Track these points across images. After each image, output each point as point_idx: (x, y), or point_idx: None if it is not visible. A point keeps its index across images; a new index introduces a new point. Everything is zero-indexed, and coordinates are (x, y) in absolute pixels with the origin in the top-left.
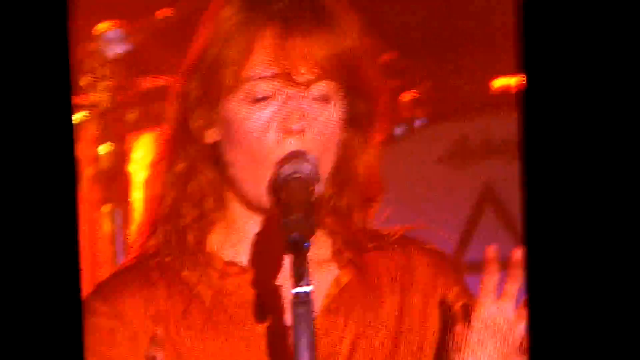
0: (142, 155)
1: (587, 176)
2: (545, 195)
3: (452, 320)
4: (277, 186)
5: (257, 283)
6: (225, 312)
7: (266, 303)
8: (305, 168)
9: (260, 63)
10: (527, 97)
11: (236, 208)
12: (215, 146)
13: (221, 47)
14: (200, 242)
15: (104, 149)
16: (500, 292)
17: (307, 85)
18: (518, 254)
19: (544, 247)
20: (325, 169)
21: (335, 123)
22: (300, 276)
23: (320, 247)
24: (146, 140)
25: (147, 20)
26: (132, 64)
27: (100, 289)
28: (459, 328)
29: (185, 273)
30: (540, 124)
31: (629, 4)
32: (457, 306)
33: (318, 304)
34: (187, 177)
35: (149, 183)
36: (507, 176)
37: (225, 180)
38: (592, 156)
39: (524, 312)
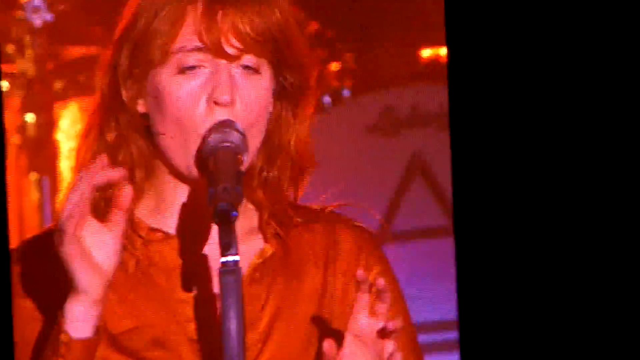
0: (68, 124)
1: (514, 147)
2: (472, 166)
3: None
4: (205, 155)
5: (183, 251)
6: (149, 278)
7: (194, 271)
8: (234, 137)
9: (190, 35)
10: (452, 69)
11: (165, 177)
12: (146, 116)
13: (151, 19)
14: (129, 209)
15: (30, 117)
16: (372, 310)
17: (237, 57)
18: (381, 281)
19: (472, 217)
20: (256, 140)
21: (265, 95)
22: (227, 245)
23: (248, 218)
24: (73, 109)
25: None
26: (57, 33)
27: (23, 248)
28: (331, 340)
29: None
30: (466, 95)
31: None
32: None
33: (242, 273)
34: (117, 146)
35: (78, 151)
36: (436, 146)
37: (155, 150)
38: (518, 127)
39: (391, 331)
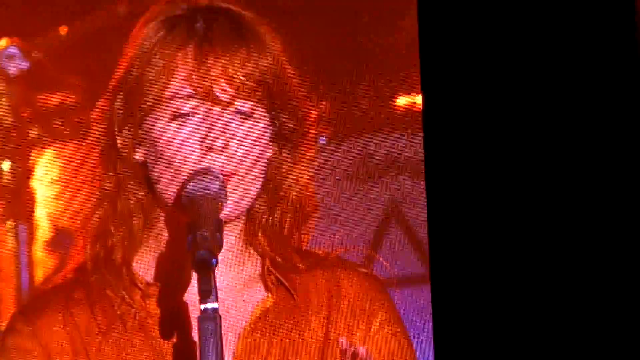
0: (45, 172)
1: (490, 192)
2: (448, 212)
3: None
4: (185, 202)
5: (167, 300)
6: (147, 330)
7: (178, 319)
8: (213, 185)
9: (182, 81)
10: (426, 117)
11: (164, 227)
12: (145, 165)
13: (143, 67)
14: (127, 261)
15: (6, 165)
16: None
17: (230, 102)
18: (362, 350)
19: (447, 264)
20: (253, 185)
21: (260, 139)
22: (206, 293)
23: (250, 266)
24: (49, 157)
25: (47, 37)
26: (33, 81)
27: (24, 309)
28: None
29: (109, 292)
30: (440, 142)
31: (519, 28)
32: (378, 335)
33: (243, 324)
34: (116, 196)
35: (85, 198)
36: (413, 193)
37: (155, 200)
38: (493, 174)
39: None
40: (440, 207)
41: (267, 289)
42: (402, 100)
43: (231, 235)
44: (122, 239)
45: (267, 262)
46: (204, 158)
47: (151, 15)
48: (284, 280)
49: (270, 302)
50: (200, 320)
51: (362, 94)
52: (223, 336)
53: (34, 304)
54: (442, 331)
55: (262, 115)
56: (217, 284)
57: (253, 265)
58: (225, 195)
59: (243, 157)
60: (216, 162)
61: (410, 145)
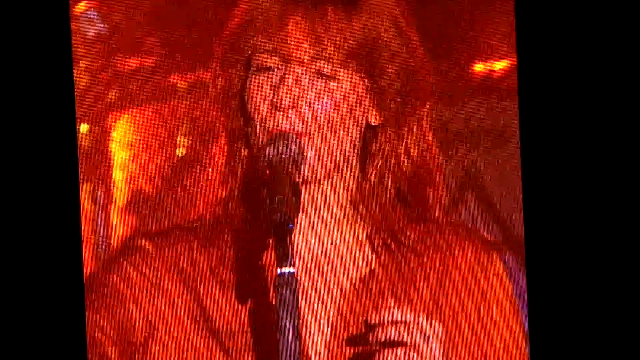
0: (121, 135)
1: (584, 165)
2: (542, 184)
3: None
4: (262, 168)
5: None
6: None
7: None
8: (290, 149)
9: (262, 37)
10: (521, 86)
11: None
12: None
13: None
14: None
15: (83, 128)
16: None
17: (307, 62)
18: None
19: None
20: (336, 148)
21: (341, 102)
22: (283, 257)
23: (358, 228)
24: (126, 120)
25: (126, 0)
26: (111, 44)
27: (147, 231)
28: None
29: (224, 236)
30: (536, 112)
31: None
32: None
33: (347, 284)
34: (233, 156)
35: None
36: (488, 162)
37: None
38: (588, 148)
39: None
40: (534, 178)
41: (373, 251)
42: (479, 67)
43: (337, 196)
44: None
45: (376, 225)
46: (272, 115)
47: None
48: (392, 246)
49: (376, 264)
50: (276, 284)
51: (439, 62)
52: (327, 296)
53: (158, 232)
54: (536, 308)
55: (347, 78)
56: (326, 245)
57: (362, 229)
58: (303, 159)
59: (317, 118)
60: (284, 120)
61: (487, 113)
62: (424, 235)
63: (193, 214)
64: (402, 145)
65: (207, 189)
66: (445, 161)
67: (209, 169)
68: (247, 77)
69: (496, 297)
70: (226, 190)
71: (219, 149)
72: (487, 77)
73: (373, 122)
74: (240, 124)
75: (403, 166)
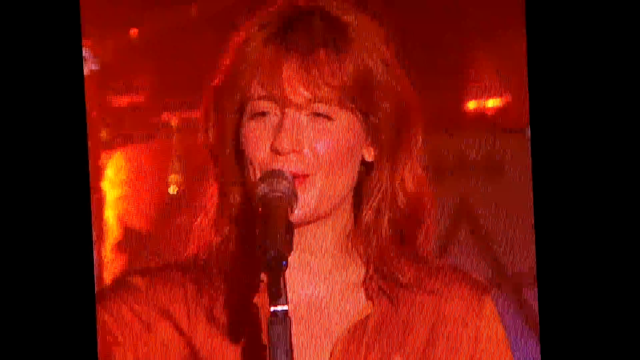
0: (114, 173)
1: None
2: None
3: None
4: (255, 204)
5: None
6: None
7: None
8: (282, 187)
9: (258, 84)
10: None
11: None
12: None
13: (239, 68)
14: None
15: None
16: None
17: (303, 105)
18: None
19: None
20: (335, 187)
21: (338, 141)
22: (276, 295)
23: (352, 272)
24: (118, 159)
25: (118, 40)
26: (103, 82)
27: (142, 269)
28: None
29: (216, 277)
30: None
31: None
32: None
33: (341, 330)
34: (224, 197)
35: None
36: (482, 194)
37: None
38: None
39: None
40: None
41: (368, 297)
42: (472, 104)
43: (333, 237)
44: (230, 235)
45: (371, 268)
46: (274, 160)
47: (249, 24)
48: (386, 290)
49: (370, 310)
50: (269, 322)
51: (432, 96)
52: (320, 340)
53: (153, 270)
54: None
55: (343, 117)
56: (320, 288)
57: (356, 272)
58: (295, 197)
59: (318, 158)
60: (286, 163)
61: (480, 147)
62: (417, 277)
63: (186, 253)
64: (398, 180)
65: (200, 234)
66: (439, 196)
67: (202, 215)
68: (240, 124)
69: (489, 340)
70: (220, 237)
71: (212, 197)
72: (480, 114)
73: (368, 158)
74: (235, 171)
75: (400, 202)
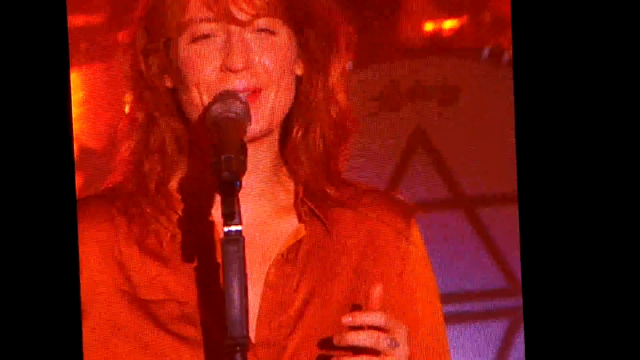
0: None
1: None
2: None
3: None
4: (209, 126)
5: (196, 222)
6: (178, 252)
7: (199, 241)
8: (236, 107)
9: (200, 4)
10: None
11: (197, 151)
12: (174, 92)
13: None
14: (162, 185)
15: None
16: None
17: (249, 22)
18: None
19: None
20: (282, 101)
21: (283, 55)
22: (230, 215)
23: (282, 195)
24: (74, 78)
25: None
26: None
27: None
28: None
29: (147, 209)
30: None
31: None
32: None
33: (275, 253)
34: (147, 127)
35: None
36: (438, 120)
37: (186, 125)
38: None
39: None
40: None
41: (300, 219)
42: (428, 26)
43: (265, 159)
44: (156, 164)
45: (301, 191)
46: (225, 78)
47: None
48: (318, 213)
49: (303, 232)
50: (223, 242)
51: (389, 20)
52: (255, 265)
53: (81, 211)
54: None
55: (283, 31)
56: (250, 212)
57: (286, 195)
58: (249, 117)
59: (266, 75)
60: (239, 81)
61: (437, 71)
62: (347, 197)
63: (108, 182)
64: (329, 91)
65: (127, 160)
66: (395, 119)
67: (127, 145)
68: (177, 49)
69: (416, 261)
70: (149, 165)
71: (140, 127)
72: (436, 37)
73: (299, 72)
74: (165, 98)
75: (332, 111)
